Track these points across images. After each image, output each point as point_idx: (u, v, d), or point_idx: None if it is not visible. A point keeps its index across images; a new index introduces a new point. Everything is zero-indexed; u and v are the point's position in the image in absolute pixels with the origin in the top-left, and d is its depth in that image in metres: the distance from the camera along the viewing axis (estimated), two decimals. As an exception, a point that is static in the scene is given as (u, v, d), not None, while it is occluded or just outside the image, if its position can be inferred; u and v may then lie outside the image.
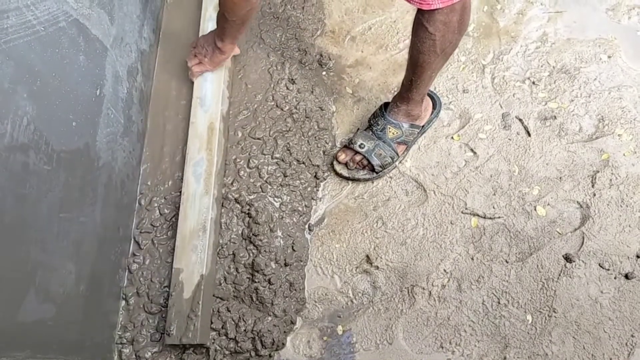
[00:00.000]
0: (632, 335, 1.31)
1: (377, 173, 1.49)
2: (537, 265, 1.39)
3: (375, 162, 1.46)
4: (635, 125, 1.53)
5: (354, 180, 1.51)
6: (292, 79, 1.60)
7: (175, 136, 1.54)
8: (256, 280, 1.36)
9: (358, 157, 1.48)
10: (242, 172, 1.49)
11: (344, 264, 1.44)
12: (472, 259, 1.41)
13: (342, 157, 1.50)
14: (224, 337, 1.33)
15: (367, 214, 1.49)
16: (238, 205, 1.44)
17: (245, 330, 1.32)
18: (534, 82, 1.62)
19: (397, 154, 1.49)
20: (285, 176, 1.49)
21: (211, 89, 1.51)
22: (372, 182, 1.52)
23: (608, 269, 1.37)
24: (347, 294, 1.41)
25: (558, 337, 1.33)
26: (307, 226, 1.48)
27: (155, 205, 1.46)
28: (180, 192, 1.42)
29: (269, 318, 1.34)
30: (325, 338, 1.37)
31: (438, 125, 1.57)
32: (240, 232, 1.43)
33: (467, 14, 1.17)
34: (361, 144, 1.47)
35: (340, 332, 1.37)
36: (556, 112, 1.57)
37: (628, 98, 1.57)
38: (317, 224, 1.49)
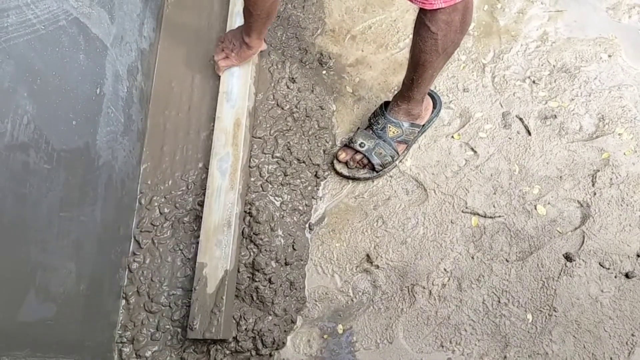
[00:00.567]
0: (633, 334, 1.31)
1: (377, 172, 1.49)
2: (538, 264, 1.39)
3: (376, 161, 1.46)
4: (635, 124, 1.53)
5: (354, 179, 1.51)
6: (293, 78, 1.60)
7: (175, 135, 1.54)
8: (257, 280, 1.36)
9: (358, 156, 1.48)
10: (242, 171, 1.49)
11: (344, 263, 1.44)
12: (473, 258, 1.41)
13: (343, 156, 1.50)
14: (224, 336, 1.33)
15: (368, 213, 1.49)
16: (238, 204, 1.45)
17: (245, 329, 1.32)
18: (534, 81, 1.61)
19: (398, 153, 1.49)
20: (285, 175, 1.49)
21: (238, 84, 1.50)
22: (373, 181, 1.52)
23: (608, 268, 1.37)
24: (348, 293, 1.41)
25: (558, 336, 1.33)
26: (307, 225, 1.48)
27: (156, 204, 1.46)
28: (182, 190, 1.42)
29: (270, 317, 1.34)
30: (325, 337, 1.37)
31: (438, 124, 1.57)
32: (240, 231, 1.42)
33: (470, 13, 1.16)
34: (361, 143, 1.47)
35: (340, 331, 1.37)
36: (556, 111, 1.57)
37: (628, 97, 1.57)
38: (317, 223, 1.49)
